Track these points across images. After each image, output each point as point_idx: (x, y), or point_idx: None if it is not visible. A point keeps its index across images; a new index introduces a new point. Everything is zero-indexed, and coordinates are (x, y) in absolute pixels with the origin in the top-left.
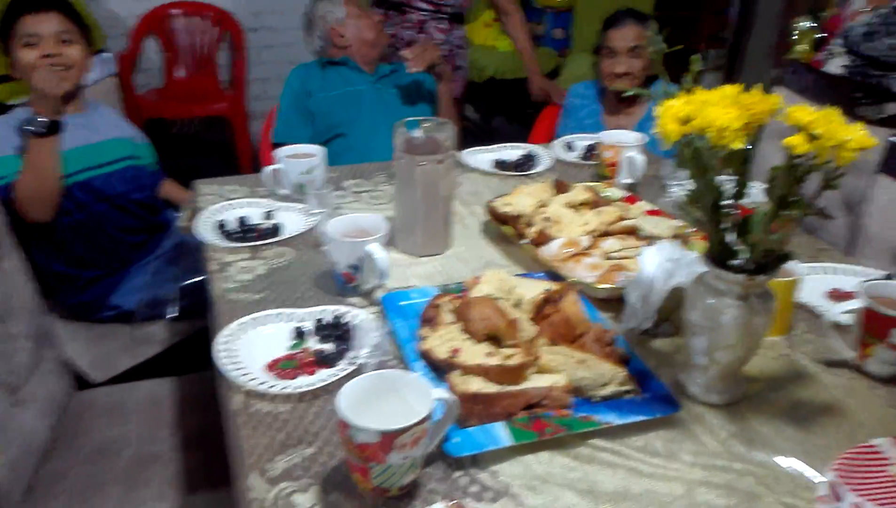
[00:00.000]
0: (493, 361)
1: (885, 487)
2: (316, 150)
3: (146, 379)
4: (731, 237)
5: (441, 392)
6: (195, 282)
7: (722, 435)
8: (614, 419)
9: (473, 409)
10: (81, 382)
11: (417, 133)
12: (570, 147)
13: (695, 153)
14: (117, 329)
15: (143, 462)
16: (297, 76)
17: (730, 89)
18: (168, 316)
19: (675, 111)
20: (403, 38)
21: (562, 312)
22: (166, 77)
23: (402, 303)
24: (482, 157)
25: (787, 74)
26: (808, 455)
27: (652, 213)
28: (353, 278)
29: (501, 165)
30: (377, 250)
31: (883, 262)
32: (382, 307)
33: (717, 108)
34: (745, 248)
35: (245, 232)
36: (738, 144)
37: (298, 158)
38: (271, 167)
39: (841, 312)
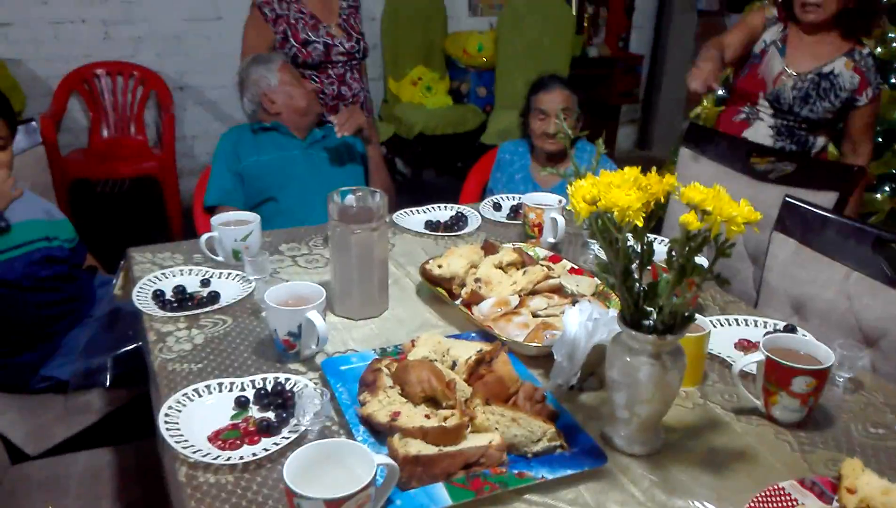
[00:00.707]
0: (432, 423)
1: None
2: (251, 217)
3: (84, 450)
4: (641, 301)
5: (382, 458)
6: (130, 349)
7: (645, 484)
8: (546, 474)
9: (414, 471)
10: (16, 455)
11: (351, 201)
12: (497, 207)
13: (603, 228)
14: (51, 400)
15: None
16: (228, 140)
17: (630, 172)
18: (103, 385)
19: (584, 192)
20: (328, 93)
21: (495, 372)
22: (92, 137)
23: (343, 367)
24: (414, 218)
25: (689, 134)
26: (722, 499)
27: (574, 271)
28: (293, 344)
29: (433, 225)
30: (316, 317)
31: (784, 312)
32: (323, 373)
33: (620, 190)
34: (655, 310)
35: (182, 301)
36: (639, 222)
37: (233, 226)
38: (206, 235)
39: (745, 364)
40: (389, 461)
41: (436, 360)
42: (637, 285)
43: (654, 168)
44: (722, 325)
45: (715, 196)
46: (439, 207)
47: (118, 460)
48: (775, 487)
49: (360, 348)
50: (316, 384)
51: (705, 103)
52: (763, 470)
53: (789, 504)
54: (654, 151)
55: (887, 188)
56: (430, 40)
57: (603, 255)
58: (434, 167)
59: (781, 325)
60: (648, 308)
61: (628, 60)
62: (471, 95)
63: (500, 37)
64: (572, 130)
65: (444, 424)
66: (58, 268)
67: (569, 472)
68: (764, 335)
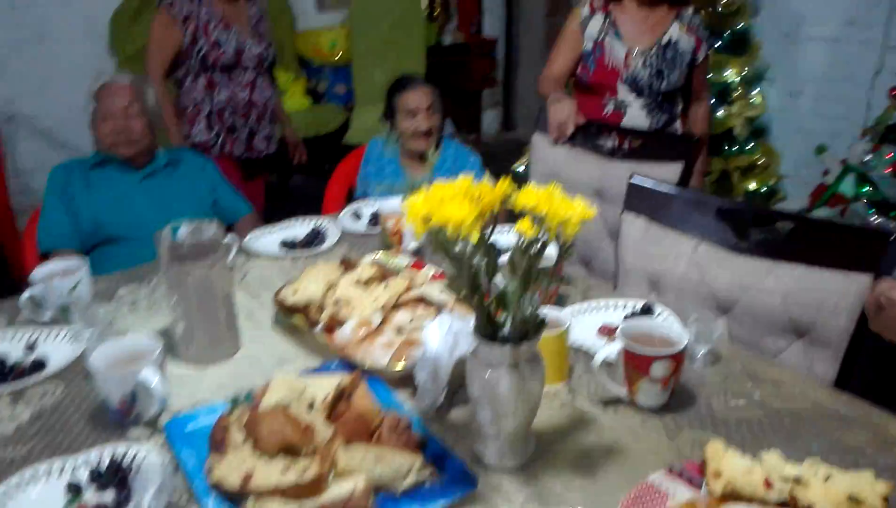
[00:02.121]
0: (289, 478)
1: None
2: (76, 264)
3: None
4: (493, 310)
5: None
6: None
7: (519, 500)
8: None
9: None
10: None
11: (184, 237)
12: (357, 216)
13: (443, 244)
14: None
15: None
16: (57, 177)
17: (462, 183)
18: None
19: (417, 210)
20: (239, 100)
21: (353, 408)
22: None
23: (190, 427)
24: (268, 239)
25: (541, 122)
26: (595, 503)
27: (438, 277)
28: (129, 409)
29: (289, 245)
30: (152, 377)
31: (642, 290)
32: (166, 436)
33: (452, 204)
34: (507, 318)
35: (3, 374)
36: (474, 236)
37: (57, 278)
38: (28, 293)
39: (603, 358)
40: None
41: (292, 403)
42: (486, 295)
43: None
44: (583, 312)
45: (548, 198)
46: (296, 221)
47: None
48: (644, 484)
49: (211, 398)
50: (160, 451)
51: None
52: (634, 465)
53: (659, 497)
54: (519, 133)
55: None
56: (279, 40)
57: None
58: (300, 172)
59: (639, 305)
60: (501, 318)
61: (483, 45)
62: (329, 94)
63: (353, 32)
64: (438, 127)
65: (301, 479)
66: None
67: (441, 503)
68: (623, 319)
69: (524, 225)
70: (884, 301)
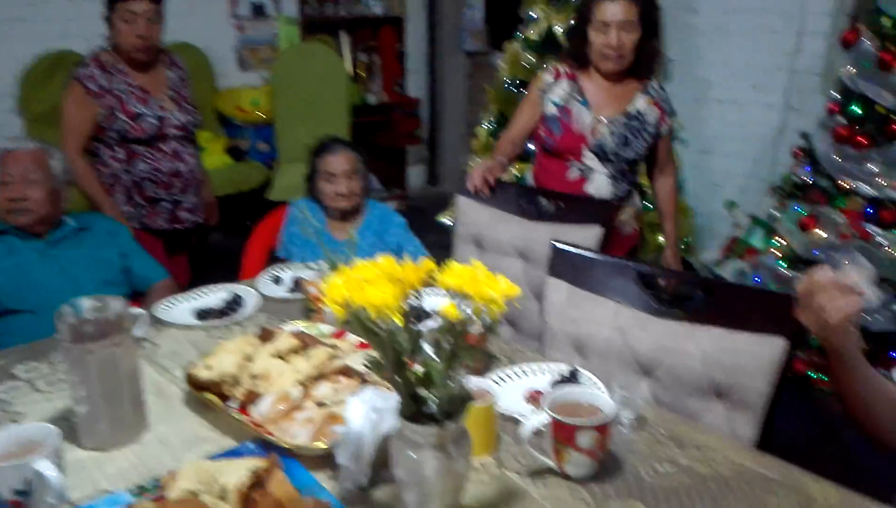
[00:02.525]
0: None
1: None
2: None
3: None
4: (419, 390)
5: None
6: None
7: None
8: None
9: None
10: None
11: (87, 315)
12: (277, 281)
13: (364, 326)
14: None
15: None
16: None
17: (385, 263)
18: None
19: (336, 293)
20: (162, 171)
21: (270, 496)
22: None
23: None
24: (181, 308)
25: (464, 187)
26: None
27: (362, 346)
28: (23, 505)
29: (204, 314)
30: (47, 468)
31: (567, 353)
32: None
33: (373, 287)
34: (433, 397)
35: None
36: (397, 319)
37: None
38: None
39: (531, 430)
40: None
41: (201, 492)
42: (412, 376)
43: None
44: (510, 378)
45: (472, 278)
46: (211, 288)
47: None
48: None
49: (114, 486)
50: None
51: (482, 138)
52: None
53: None
54: (444, 187)
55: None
56: (199, 98)
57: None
58: (220, 229)
59: (567, 371)
60: (426, 396)
61: (406, 104)
62: (252, 152)
63: (276, 91)
64: (361, 190)
65: None
66: None
67: None
68: (550, 385)
69: (449, 310)
70: (812, 285)
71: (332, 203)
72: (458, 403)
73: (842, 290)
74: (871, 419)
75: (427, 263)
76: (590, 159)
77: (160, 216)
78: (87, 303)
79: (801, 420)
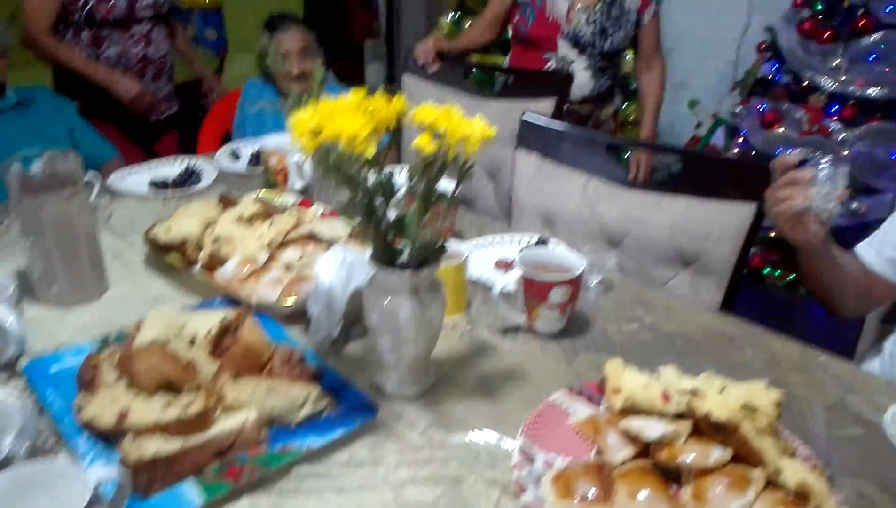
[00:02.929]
0: (171, 414)
1: (569, 438)
2: None
3: None
4: (391, 237)
5: (100, 471)
6: None
7: (422, 426)
8: (316, 441)
9: (154, 475)
10: None
11: (37, 168)
12: (235, 155)
13: (334, 163)
14: None
15: None
16: None
17: (354, 96)
18: None
19: (305, 123)
20: (131, 56)
21: (241, 341)
22: None
23: (54, 369)
24: (136, 179)
25: (410, 62)
26: (500, 424)
27: (327, 215)
28: None
29: (160, 185)
30: (4, 315)
31: (536, 227)
32: (27, 379)
33: (344, 116)
34: (406, 244)
35: None
36: (370, 151)
37: None
38: None
39: (503, 286)
40: (113, 471)
41: (169, 340)
42: (384, 220)
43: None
44: (480, 248)
45: (446, 115)
46: (166, 160)
47: None
48: (545, 404)
49: (77, 339)
50: (20, 394)
51: (444, 30)
52: (534, 387)
53: (560, 414)
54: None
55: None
56: None
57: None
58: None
59: (534, 240)
60: (399, 245)
61: None
62: (199, 39)
63: None
64: (316, 70)
65: (184, 413)
66: None
67: (339, 433)
68: (519, 252)
69: (422, 141)
70: (781, 167)
71: (285, 85)
72: (431, 249)
73: (801, 184)
74: (835, 296)
75: (399, 99)
76: (566, 50)
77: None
78: (38, 160)
79: (757, 309)
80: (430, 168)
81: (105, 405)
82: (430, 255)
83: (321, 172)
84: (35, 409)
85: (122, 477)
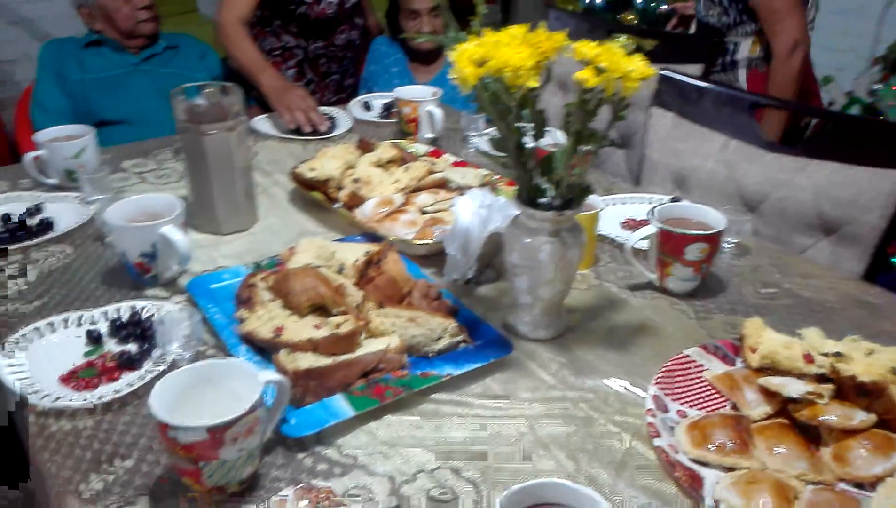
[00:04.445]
0: (323, 332)
1: (703, 391)
2: (84, 129)
3: None
4: (537, 177)
5: (269, 374)
6: None
7: (553, 368)
8: (452, 371)
9: (308, 386)
10: None
11: (200, 100)
12: (367, 106)
13: (492, 96)
14: None
15: None
16: (50, 55)
17: (517, 29)
18: None
19: (470, 54)
20: (339, 44)
21: (386, 273)
22: None
23: (213, 286)
24: (276, 123)
25: (551, 21)
26: (629, 374)
27: (458, 164)
28: (148, 267)
29: (298, 130)
30: (173, 233)
31: (667, 188)
32: (190, 295)
33: (510, 48)
34: (551, 186)
35: (10, 232)
36: (533, 83)
37: (64, 141)
38: (32, 154)
39: (639, 238)
40: (278, 376)
41: (320, 266)
42: (531, 158)
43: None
44: (608, 206)
45: (608, 51)
46: None
47: None
48: (679, 356)
49: (231, 264)
50: (182, 307)
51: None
52: (664, 342)
53: (695, 369)
54: None
55: None
56: None
57: (483, 146)
58: None
59: (667, 199)
60: (544, 186)
61: None
62: None
63: None
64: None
65: (336, 332)
66: None
67: (475, 366)
68: (652, 209)
69: (585, 74)
70: None
71: (413, 43)
72: (576, 191)
73: None
74: None
75: (559, 35)
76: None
77: (328, 92)
78: (198, 90)
79: None
80: (586, 104)
81: (263, 321)
82: (574, 197)
83: (477, 108)
84: (200, 318)
85: (284, 383)
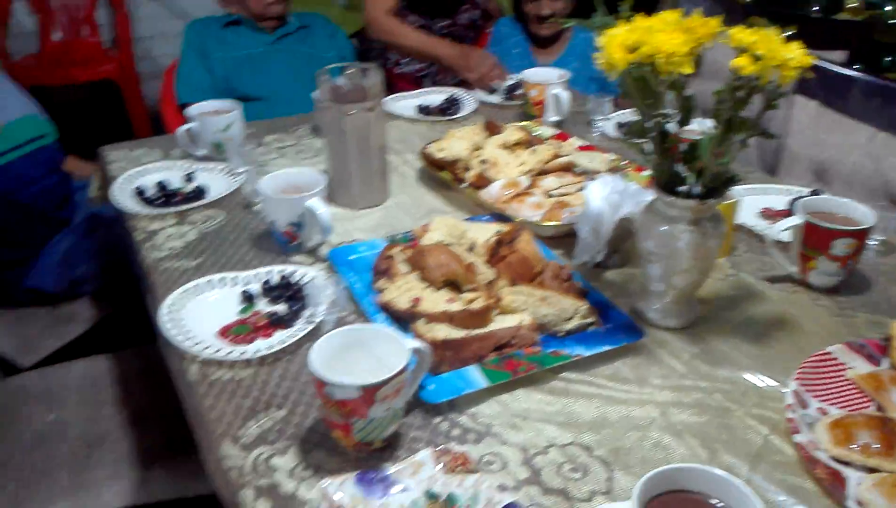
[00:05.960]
0: (457, 306)
1: (845, 391)
2: (231, 104)
3: (78, 359)
4: (678, 165)
5: (413, 342)
6: (114, 257)
7: (685, 356)
8: (583, 351)
9: (444, 355)
10: (8, 368)
11: (342, 81)
12: (492, 89)
13: (640, 82)
14: (36, 311)
15: (90, 444)
16: (194, 33)
17: (670, 15)
18: (88, 293)
19: (622, 39)
20: (462, 23)
21: (518, 252)
22: (42, 41)
23: (352, 257)
24: (405, 103)
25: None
26: (766, 367)
27: (584, 148)
28: (295, 236)
29: (426, 110)
30: (318, 206)
31: (806, 179)
32: (331, 263)
33: (664, 34)
34: (693, 174)
35: (167, 197)
36: (688, 69)
37: (213, 116)
38: (185, 127)
39: (781, 229)
40: (421, 344)
41: (452, 243)
42: (676, 145)
43: None
44: (745, 194)
45: (765, 38)
46: (432, 90)
47: (117, 366)
48: (823, 352)
49: (365, 237)
50: (325, 274)
51: None
52: (805, 337)
53: (837, 368)
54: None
55: None
56: None
57: (610, 131)
58: None
59: (807, 191)
60: (685, 173)
61: None
62: None
63: None
64: (565, 9)
65: (469, 307)
66: (59, 176)
67: (606, 348)
68: (793, 201)
69: (742, 61)
70: None
71: (533, 27)
72: (720, 180)
73: None
74: None
75: (715, 19)
76: None
77: (447, 74)
78: (341, 71)
79: None
80: (738, 91)
81: (401, 291)
82: (718, 186)
83: (622, 92)
84: (341, 288)
85: (426, 350)
